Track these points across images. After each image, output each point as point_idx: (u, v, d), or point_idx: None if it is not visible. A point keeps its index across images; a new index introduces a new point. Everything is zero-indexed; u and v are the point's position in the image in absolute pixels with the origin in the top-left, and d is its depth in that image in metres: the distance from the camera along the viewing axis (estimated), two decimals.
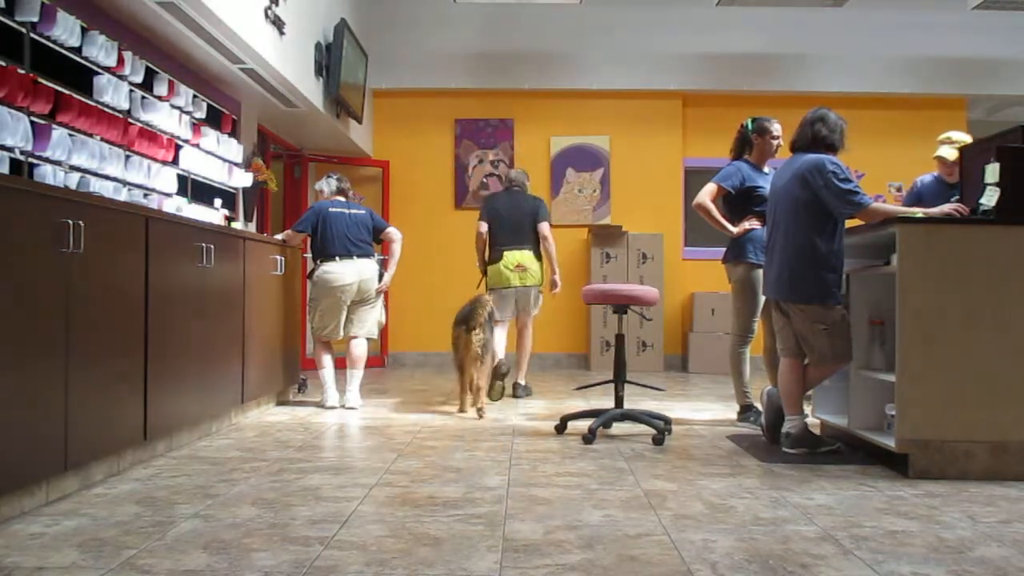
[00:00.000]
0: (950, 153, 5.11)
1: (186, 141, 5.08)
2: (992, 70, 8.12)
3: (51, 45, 3.76)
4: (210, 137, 5.36)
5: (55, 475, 2.78)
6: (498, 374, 5.62)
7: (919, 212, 3.68)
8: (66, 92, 3.84)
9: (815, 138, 3.80)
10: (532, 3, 7.81)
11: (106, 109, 4.18)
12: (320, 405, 5.26)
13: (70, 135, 3.85)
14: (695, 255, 8.34)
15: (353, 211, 5.34)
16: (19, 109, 3.49)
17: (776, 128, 4.68)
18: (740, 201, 4.61)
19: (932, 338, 3.32)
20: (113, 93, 4.18)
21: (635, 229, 8.06)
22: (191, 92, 5.08)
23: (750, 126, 4.71)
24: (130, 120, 4.44)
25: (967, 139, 5.13)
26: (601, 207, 8.31)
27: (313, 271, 5.29)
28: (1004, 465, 3.29)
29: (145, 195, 4.58)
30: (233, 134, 5.79)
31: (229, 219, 5.60)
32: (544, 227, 5.84)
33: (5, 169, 3.40)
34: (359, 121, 7.34)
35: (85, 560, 2.18)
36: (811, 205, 3.70)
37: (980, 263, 3.33)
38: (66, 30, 3.77)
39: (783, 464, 3.57)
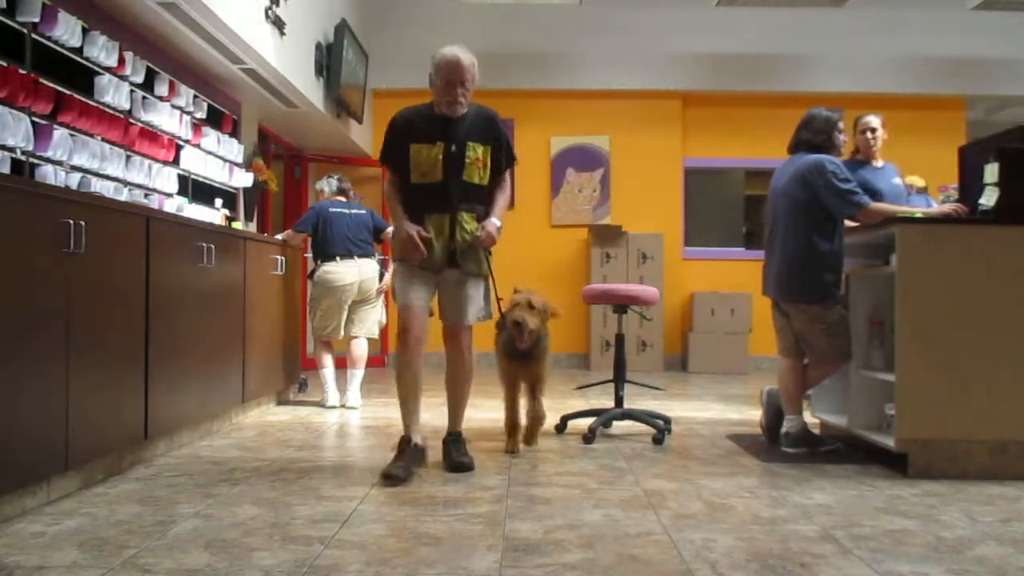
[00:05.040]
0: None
1: (187, 141, 5.08)
2: (992, 70, 8.11)
3: (52, 45, 3.77)
4: (211, 137, 5.37)
5: (56, 474, 2.78)
6: None
7: (919, 212, 3.69)
8: (67, 92, 3.84)
9: (799, 143, 3.84)
10: (532, 3, 7.82)
11: (107, 109, 4.18)
12: (320, 405, 5.26)
13: (71, 135, 3.85)
14: (695, 255, 8.34)
15: (354, 211, 5.35)
16: (20, 109, 3.50)
17: (864, 124, 4.61)
18: None
19: (932, 338, 3.32)
20: (114, 93, 4.18)
21: (635, 229, 8.06)
22: (192, 92, 5.09)
23: None
24: (131, 120, 4.44)
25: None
26: (601, 207, 8.31)
27: (314, 271, 5.29)
28: (1003, 465, 3.30)
29: (146, 195, 4.58)
30: (233, 134, 5.79)
31: (229, 219, 5.61)
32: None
33: (6, 169, 3.41)
34: (359, 121, 7.35)
35: (86, 559, 2.19)
36: (811, 205, 3.70)
37: (980, 263, 3.33)
38: (67, 30, 3.78)
39: (783, 464, 3.58)
